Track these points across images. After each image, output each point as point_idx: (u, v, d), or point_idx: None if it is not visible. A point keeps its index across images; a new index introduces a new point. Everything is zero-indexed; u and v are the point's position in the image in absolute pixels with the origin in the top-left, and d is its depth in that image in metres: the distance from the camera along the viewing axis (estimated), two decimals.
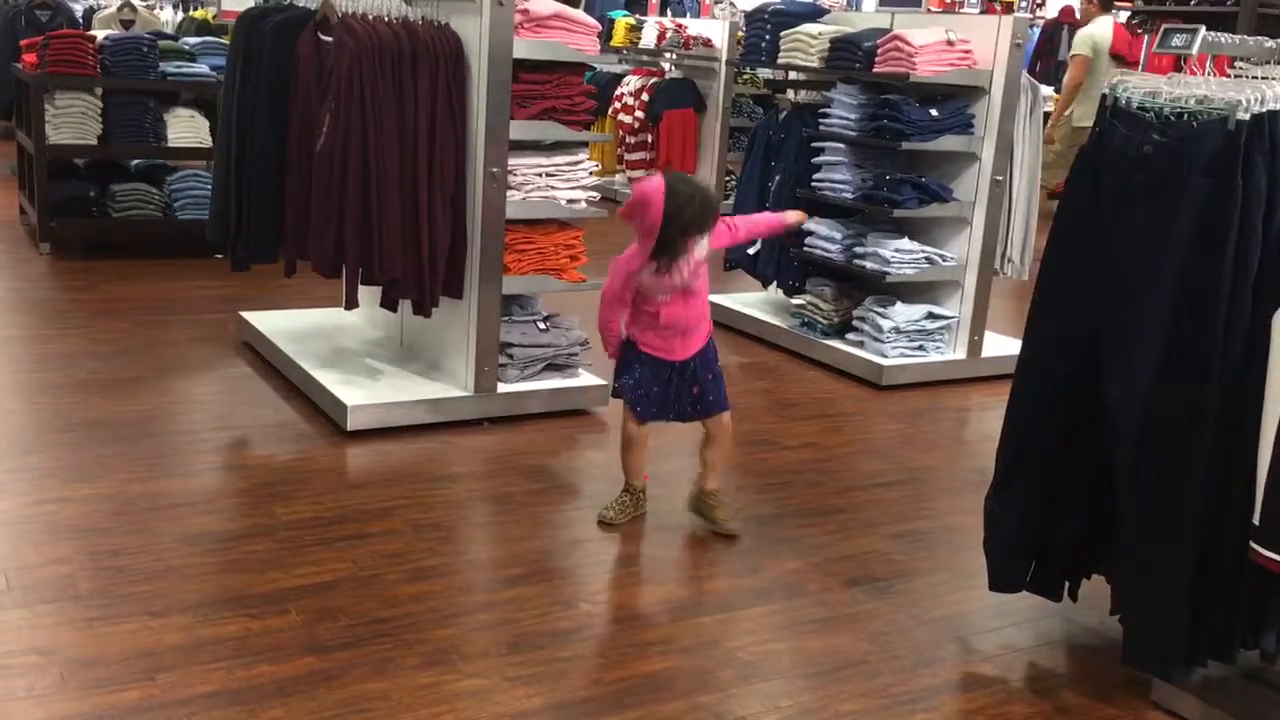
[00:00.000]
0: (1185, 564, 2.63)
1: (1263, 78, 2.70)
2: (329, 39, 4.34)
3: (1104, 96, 2.81)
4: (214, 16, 9.61)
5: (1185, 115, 2.64)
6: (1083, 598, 3.19)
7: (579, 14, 4.59)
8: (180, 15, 11.27)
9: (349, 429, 4.29)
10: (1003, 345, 5.80)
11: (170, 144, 6.95)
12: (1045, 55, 12.27)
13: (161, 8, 11.54)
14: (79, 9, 10.91)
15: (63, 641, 2.84)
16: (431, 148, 4.26)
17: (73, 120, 6.74)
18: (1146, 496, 2.68)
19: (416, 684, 2.76)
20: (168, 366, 5.00)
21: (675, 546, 3.64)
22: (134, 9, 9.63)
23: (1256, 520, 2.54)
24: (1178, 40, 2.67)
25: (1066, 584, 3.14)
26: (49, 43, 6.67)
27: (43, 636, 2.85)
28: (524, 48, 4.37)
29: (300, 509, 3.68)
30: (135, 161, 7.31)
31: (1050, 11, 13.88)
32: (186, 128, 6.96)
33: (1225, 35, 2.73)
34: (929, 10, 10.56)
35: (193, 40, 7.56)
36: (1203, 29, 2.65)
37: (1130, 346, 2.69)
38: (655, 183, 3.38)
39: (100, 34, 7.12)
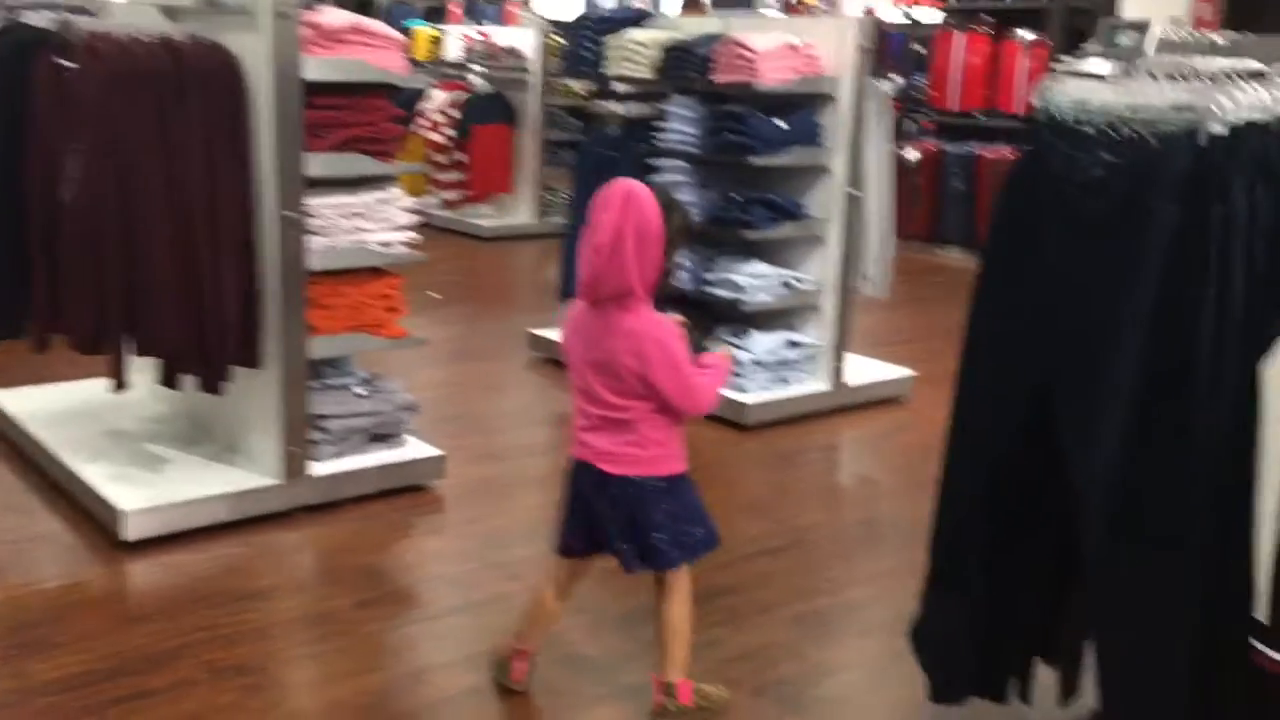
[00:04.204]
0: (1179, 661, 2.17)
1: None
2: (71, 65, 3.54)
3: (1033, 108, 2.35)
4: None
5: (1137, 129, 2.19)
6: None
7: (380, 26, 3.91)
8: None
9: (127, 539, 3.50)
10: (869, 371, 5.40)
11: None
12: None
13: None
14: None
15: None
16: (210, 191, 3.52)
17: None
18: (1130, 583, 2.21)
19: None
20: None
21: (544, 664, 3.01)
22: None
23: (1261, 616, 2.10)
24: (1124, 39, 2.22)
25: (1012, 681, 2.67)
26: None
27: None
28: (318, 68, 3.67)
29: (63, 661, 2.89)
30: None
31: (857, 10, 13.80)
32: None
33: (1175, 28, 2.30)
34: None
35: None
36: (1154, 24, 2.21)
37: (1095, 407, 2.22)
38: (621, 188, 2.49)
39: None
